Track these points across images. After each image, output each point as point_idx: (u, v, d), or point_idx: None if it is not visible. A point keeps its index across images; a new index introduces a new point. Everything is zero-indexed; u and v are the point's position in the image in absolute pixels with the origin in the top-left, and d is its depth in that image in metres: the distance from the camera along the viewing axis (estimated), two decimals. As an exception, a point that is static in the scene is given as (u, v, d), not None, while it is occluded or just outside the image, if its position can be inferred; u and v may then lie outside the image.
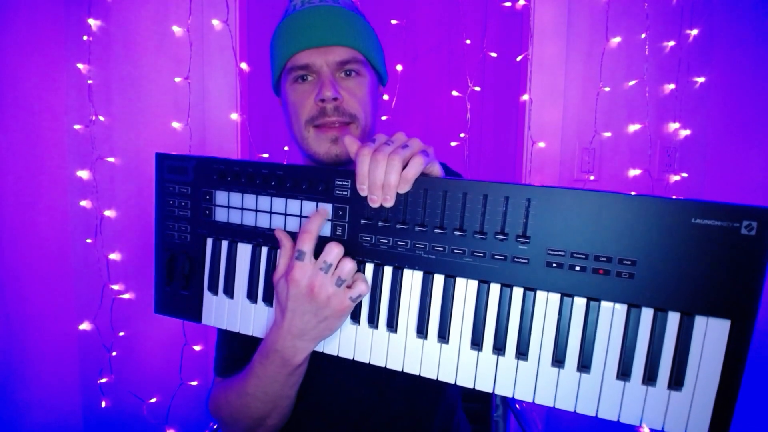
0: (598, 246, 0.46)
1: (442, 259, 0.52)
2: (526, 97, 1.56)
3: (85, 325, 1.55)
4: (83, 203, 1.51)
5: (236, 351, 0.72)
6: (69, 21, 1.47)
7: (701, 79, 1.53)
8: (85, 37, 1.45)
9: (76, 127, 1.49)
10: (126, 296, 1.55)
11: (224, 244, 0.61)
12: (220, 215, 0.60)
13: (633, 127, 1.55)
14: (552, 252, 0.48)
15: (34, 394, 1.45)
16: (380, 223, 0.53)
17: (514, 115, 1.70)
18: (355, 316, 0.57)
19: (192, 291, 0.64)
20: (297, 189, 0.56)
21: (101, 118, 1.50)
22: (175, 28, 1.49)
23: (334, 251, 0.53)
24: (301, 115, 0.69)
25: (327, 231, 0.56)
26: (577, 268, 0.47)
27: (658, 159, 1.57)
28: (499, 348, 0.51)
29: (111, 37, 1.49)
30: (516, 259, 0.49)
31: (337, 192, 0.54)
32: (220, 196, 0.60)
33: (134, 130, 1.53)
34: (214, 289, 0.62)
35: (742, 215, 0.42)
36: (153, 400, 1.59)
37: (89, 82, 1.47)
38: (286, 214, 0.57)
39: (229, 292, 0.61)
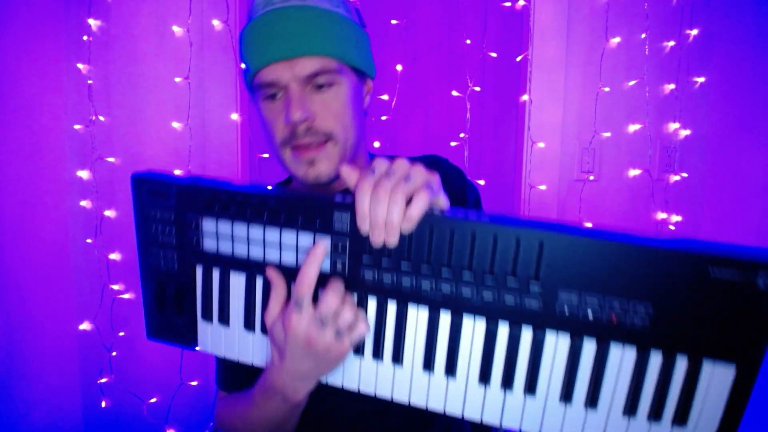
0: (613, 293, 0.45)
1: (448, 299, 0.50)
2: (526, 97, 1.56)
3: (85, 325, 1.55)
4: (83, 203, 1.51)
5: (238, 366, 0.71)
6: (69, 21, 1.47)
7: (701, 79, 1.53)
8: (85, 37, 1.45)
9: (76, 127, 1.49)
10: (126, 296, 1.55)
11: (216, 273, 0.57)
12: (209, 244, 0.56)
13: (633, 127, 1.55)
14: (564, 297, 0.46)
15: (34, 394, 1.45)
16: (383, 260, 0.50)
17: (514, 115, 1.70)
18: (359, 350, 0.55)
19: (185, 317, 0.60)
20: (292, 221, 0.52)
21: (101, 118, 1.50)
22: (175, 28, 1.49)
23: (331, 304, 0.49)
24: (275, 137, 0.65)
25: (326, 265, 0.52)
26: (590, 314, 0.46)
27: (658, 159, 1.57)
28: (507, 385, 0.50)
29: (111, 37, 1.49)
30: (526, 302, 0.48)
31: (336, 225, 0.51)
32: (208, 224, 0.55)
33: (134, 130, 1.53)
34: (208, 318, 0.59)
35: (761, 268, 0.41)
36: (153, 400, 1.59)
37: (89, 82, 1.47)
38: (280, 246, 0.53)
39: (224, 321, 0.58)
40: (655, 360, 0.46)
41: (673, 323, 0.44)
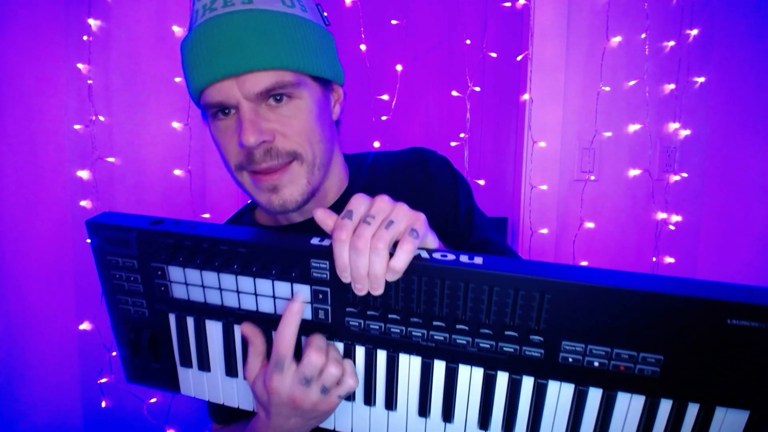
0: (621, 342, 0.42)
1: (442, 348, 0.46)
2: (526, 97, 1.56)
3: (85, 325, 1.55)
4: (83, 203, 1.51)
5: None
6: (69, 21, 1.47)
7: (701, 79, 1.53)
8: (85, 37, 1.45)
9: (76, 127, 1.49)
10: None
11: (190, 321, 0.53)
12: (179, 292, 0.51)
13: (633, 127, 1.55)
14: (568, 347, 0.43)
15: (34, 394, 1.45)
16: (368, 312, 0.47)
17: (514, 115, 1.70)
18: (350, 397, 0.52)
19: (163, 364, 0.56)
20: (266, 270, 0.47)
21: (101, 118, 1.50)
22: (175, 28, 1.49)
23: (314, 363, 0.46)
24: (229, 160, 0.58)
25: (308, 314, 0.48)
26: (596, 364, 0.43)
27: (658, 159, 1.57)
28: (508, 430, 0.49)
29: (111, 37, 1.48)
30: (527, 353, 0.45)
31: (315, 274, 0.46)
32: (175, 272, 0.50)
33: (134, 130, 1.53)
34: (187, 364, 0.55)
35: None
36: (153, 400, 1.59)
37: (89, 82, 1.47)
38: (256, 294, 0.49)
39: (204, 367, 0.55)
40: (665, 408, 0.44)
41: (685, 372, 0.42)
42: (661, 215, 1.57)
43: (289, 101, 0.56)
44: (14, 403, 1.38)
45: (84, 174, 1.50)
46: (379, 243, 0.41)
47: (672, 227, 1.58)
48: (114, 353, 1.56)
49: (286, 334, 0.46)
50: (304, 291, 0.47)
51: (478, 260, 0.43)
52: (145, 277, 0.52)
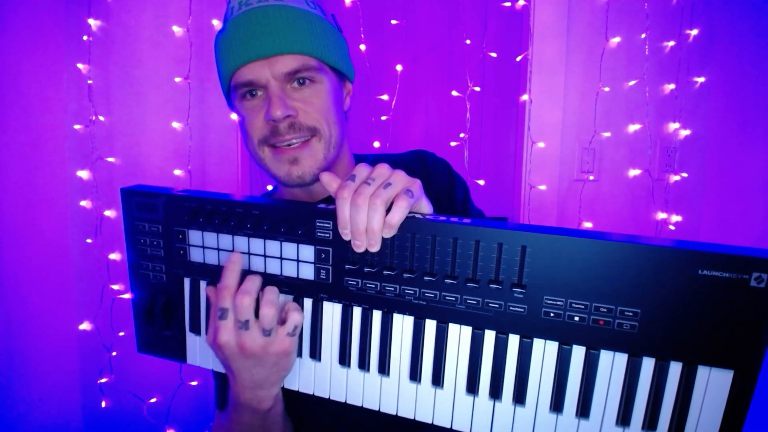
0: (599, 296, 0.44)
1: (433, 306, 0.50)
2: (526, 97, 1.56)
3: (85, 325, 1.55)
4: (83, 203, 1.51)
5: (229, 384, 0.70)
6: (69, 21, 1.47)
7: (701, 79, 1.53)
8: (85, 37, 1.45)
9: (76, 127, 1.49)
10: (126, 296, 1.55)
11: (202, 285, 0.57)
12: (196, 255, 0.56)
13: (633, 127, 1.55)
14: (549, 301, 0.46)
15: (34, 394, 1.45)
16: (366, 269, 0.50)
17: (514, 115, 1.70)
18: (345, 361, 0.54)
19: (174, 331, 0.60)
20: (275, 230, 0.52)
21: (101, 118, 1.50)
22: (175, 28, 1.49)
23: (244, 305, 0.49)
24: (252, 135, 0.63)
25: (311, 275, 0.52)
26: (576, 318, 0.45)
27: (658, 159, 1.57)
28: (495, 394, 0.50)
29: (111, 37, 1.48)
30: (511, 308, 0.47)
31: (319, 234, 0.51)
32: (194, 236, 0.55)
33: (134, 130, 1.53)
34: (196, 330, 0.59)
35: (753, 267, 0.39)
36: (153, 400, 1.59)
37: (89, 82, 1.47)
38: (265, 256, 0.53)
39: None
40: (647, 367, 0.45)
41: (664, 326, 0.43)
42: (661, 215, 1.57)
43: (311, 84, 0.63)
44: (14, 403, 1.38)
45: (84, 174, 1.50)
46: (376, 200, 0.46)
47: (672, 227, 1.58)
48: (114, 353, 1.56)
49: (225, 282, 0.50)
50: (308, 251, 0.52)
51: (467, 220, 0.47)
52: (166, 242, 0.57)
